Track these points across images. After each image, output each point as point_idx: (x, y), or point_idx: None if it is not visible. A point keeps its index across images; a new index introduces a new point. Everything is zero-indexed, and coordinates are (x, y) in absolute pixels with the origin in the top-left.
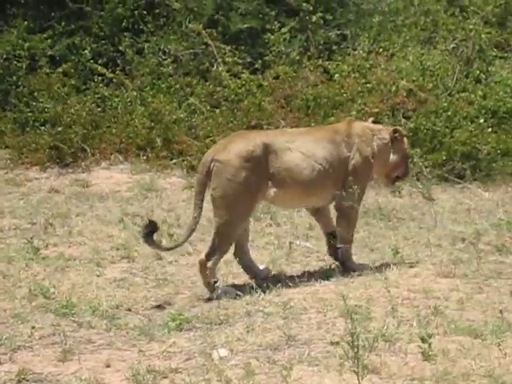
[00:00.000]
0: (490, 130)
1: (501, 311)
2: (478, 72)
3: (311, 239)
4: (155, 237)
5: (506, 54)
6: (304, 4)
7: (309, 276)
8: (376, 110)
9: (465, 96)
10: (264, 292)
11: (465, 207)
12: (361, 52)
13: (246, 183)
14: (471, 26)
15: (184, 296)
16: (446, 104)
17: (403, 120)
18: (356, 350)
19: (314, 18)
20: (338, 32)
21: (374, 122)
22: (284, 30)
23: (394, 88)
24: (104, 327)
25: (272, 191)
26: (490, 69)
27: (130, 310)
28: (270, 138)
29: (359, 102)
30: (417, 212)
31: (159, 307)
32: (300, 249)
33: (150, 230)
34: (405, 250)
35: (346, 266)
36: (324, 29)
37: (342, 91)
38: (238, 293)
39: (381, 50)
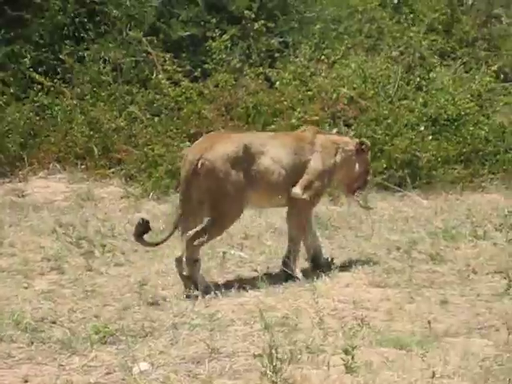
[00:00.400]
0: (430, 137)
1: (429, 322)
2: (419, 79)
3: (246, 249)
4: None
5: (447, 62)
6: (246, 11)
7: (239, 287)
8: (316, 117)
9: (405, 103)
10: (193, 303)
11: (403, 215)
12: (302, 60)
13: (236, 181)
14: (412, 34)
15: (112, 308)
16: (386, 112)
17: (344, 128)
18: (276, 362)
19: (256, 26)
20: (281, 39)
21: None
22: (225, 37)
23: (334, 96)
24: (26, 341)
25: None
26: (431, 76)
27: (54, 322)
28: (249, 140)
29: (299, 109)
30: (355, 220)
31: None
32: (234, 259)
33: (143, 231)
34: (339, 260)
35: (286, 266)
36: (266, 36)
37: (283, 99)
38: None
39: (323, 57)
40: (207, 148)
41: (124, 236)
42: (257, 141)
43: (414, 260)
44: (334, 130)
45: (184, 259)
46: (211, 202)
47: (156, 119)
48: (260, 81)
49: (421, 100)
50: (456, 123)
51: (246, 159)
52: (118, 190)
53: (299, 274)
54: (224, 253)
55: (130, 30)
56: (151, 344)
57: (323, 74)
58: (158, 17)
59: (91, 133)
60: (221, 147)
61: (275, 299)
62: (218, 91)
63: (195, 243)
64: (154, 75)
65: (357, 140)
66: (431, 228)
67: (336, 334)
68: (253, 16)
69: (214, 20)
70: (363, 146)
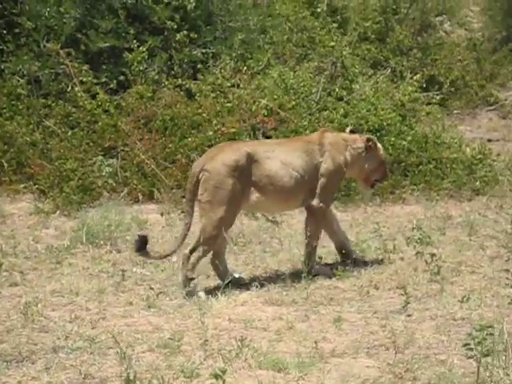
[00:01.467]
0: None
1: (315, 342)
2: (340, 90)
3: (149, 266)
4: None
5: (380, 71)
6: (168, 22)
7: (131, 306)
8: (233, 129)
9: (326, 114)
10: (78, 325)
11: None
12: (222, 71)
13: (231, 190)
14: (333, 43)
15: None
16: (306, 123)
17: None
18: None
19: (178, 36)
20: (204, 50)
21: (351, 131)
22: (142, 48)
23: (254, 107)
24: None
25: (254, 197)
26: (353, 86)
27: None
28: (253, 147)
29: (215, 121)
30: (266, 235)
31: None
32: (135, 276)
33: (142, 243)
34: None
35: (309, 269)
36: (189, 47)
37: (201, 111)
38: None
39: (244, 68)
40: (209, 159)
41: (27, 254)
42: (261, 148)
43: (316, 276)
44: (348, 129)
45: (181, 278)
46: (203, 208)
47: (70, 132)
48: (177, 93)
49: (342, 111)
50: (378, 134)
51: (248, 167)
52: (28, 206)
53: (201, 293)
54: (123, 271)
55: (47, 41)
56: (25, 369)
57: (243, 86)
58: (77, 28)
59: (5, 147)
60: (221, 157)
61: (164, 319)
62: (136, 103)
63: (192, 260)
64: (70, 88)
65: (364, 137)
66: None
67: (217, 356)
68: (175, 26)
69: (132, 31)
70: (370, 143)
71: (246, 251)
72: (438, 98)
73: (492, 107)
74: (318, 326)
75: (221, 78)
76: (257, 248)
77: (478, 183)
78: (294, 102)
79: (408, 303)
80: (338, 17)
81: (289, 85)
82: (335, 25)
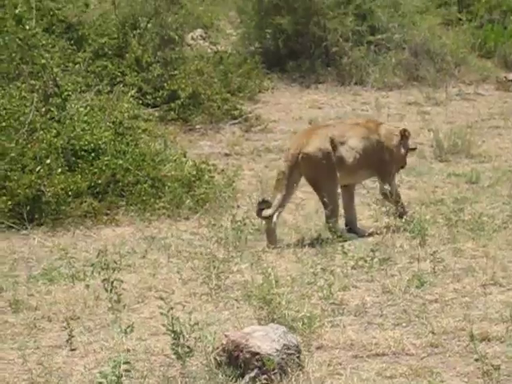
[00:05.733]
0: (60, 170)
1: None
2: (53, 109)
3: None
4: None
5: (118, 88)
6: None
7: None
8: None
9: (37, 135)
10: None
11: (14, 257)
12: None
13: (327, 166)
14: (43, 61)
15: None
16: (13, 144)
17: None
18: None
19: None
20: None
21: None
22: None
23: None
24: None
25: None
26: (66, 105)
27: None
28: (332, 132)
29: None
30: None
31: None
32: None
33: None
34: None
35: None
36: None
37: None
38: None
39: None
40: (304, 144)
41: None
42: (337, 133)
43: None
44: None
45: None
46: (314, 185)
47: None
48: None
49: (54, 131)
50: (93, 154)
51: (332, 149)
52: None
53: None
54: None
55: None
56: None
57: None
58: None
59: None
60: (314, 142)
61: None
62: None
63: (331, 225)
64: None
65: (400, 128)
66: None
67: None
68: None
69: None
70: (406, 133)
71: None
72: (172, 113)
73: (236, 121)
74: None
75: None
76: None
77: (193, 201)
78: (4, 123)
79: (72, 336)
80: (74, 33)
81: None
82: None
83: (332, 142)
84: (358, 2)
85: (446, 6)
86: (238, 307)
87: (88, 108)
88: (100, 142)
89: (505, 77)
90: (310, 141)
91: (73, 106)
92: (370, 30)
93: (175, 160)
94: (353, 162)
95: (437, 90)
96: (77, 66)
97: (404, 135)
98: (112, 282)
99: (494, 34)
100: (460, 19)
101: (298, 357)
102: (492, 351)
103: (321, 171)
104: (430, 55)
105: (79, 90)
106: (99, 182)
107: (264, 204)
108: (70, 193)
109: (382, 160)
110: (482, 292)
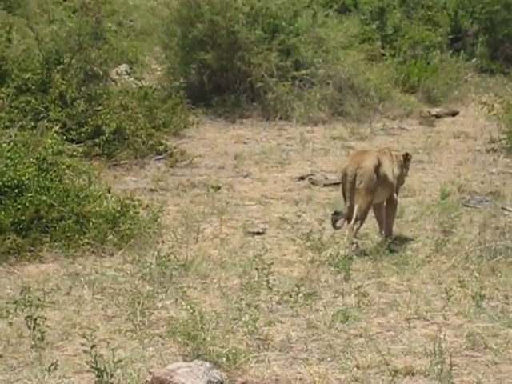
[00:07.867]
0: None
1: None
2: None
3: None
4: None
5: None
6: None
7: None
8: None
9: None
10: None
11: None
12: None
13: (376, 181)
14: None
15: None
16: None
17: None
18: None
19: None
20: None
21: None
22: None
23: None
24: None
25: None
26: None
27: None
28: (377, 156)
29: None
30: None
31: None
32: None
33: (337, 218)
34: None
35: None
36: None
37: None
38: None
39: None
40: (359, 161)
41: None
42: (379, 157)
43: None
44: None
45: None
46: (361, 193)
47: None
48: None
49: None
50: (16, 190)
51: (378, 168)
52: None
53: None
54: None
55: None
56: None
57: None
58: None
59: None
60: (368, 160)
61: None
62: None
63: (355, 228)
64: None
65: (404, 152)
66: None
67: None
68: None
69: None
70: (408, 157)
71: None
72: (97, 149)
73: (161, 156)
74: None
75: None
76: None
77: (117, 237)
78: None
79: None
80: None
81: None
82: None
83: (378, 160)
84: (282, 38)
85: (369, 41)
86: (162, 343)
87: (11, 144)
88: (23, 178)
89: (428, 112)
90: (365, 157)
91: None
92: (295, 66)
93: (100, 196)
94: (390, 179)
95: (361, 125)
96: (0, 101)
97: (406, 158)
98: (35, 320)
99: (418, 69)
100: (383, 55)
101: None
102: None
103: (371, 183)
104: (355, 90)
105: (2, 125)
106: (23, 218)
107: (337, 215)
108: None
109: (398, 179)
110: (407, 326)
